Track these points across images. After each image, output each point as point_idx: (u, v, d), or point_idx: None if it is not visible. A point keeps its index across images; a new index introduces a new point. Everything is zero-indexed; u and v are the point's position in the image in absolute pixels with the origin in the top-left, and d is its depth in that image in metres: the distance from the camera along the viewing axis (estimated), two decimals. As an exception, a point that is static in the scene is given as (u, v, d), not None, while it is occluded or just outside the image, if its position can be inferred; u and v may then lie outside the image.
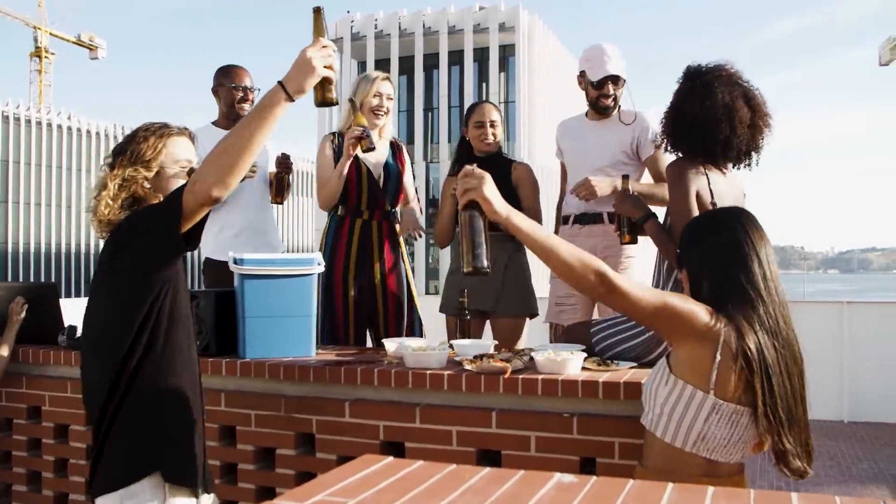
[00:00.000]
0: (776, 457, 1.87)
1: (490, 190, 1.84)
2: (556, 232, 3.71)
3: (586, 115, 3.73)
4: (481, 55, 41.69)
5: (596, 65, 3.52)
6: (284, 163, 4.01)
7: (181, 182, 2.13)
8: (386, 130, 3.83)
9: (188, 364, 2.13)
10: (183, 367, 2.11)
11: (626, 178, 3.16)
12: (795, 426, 1.85)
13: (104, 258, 2.09)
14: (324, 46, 1.92)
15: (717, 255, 1.95)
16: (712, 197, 2.69)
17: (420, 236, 3.85)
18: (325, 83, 1.95)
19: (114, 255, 2.05)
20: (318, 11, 2.03)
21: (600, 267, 1.80)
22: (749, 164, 2.83)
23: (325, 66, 1.91)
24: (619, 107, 3.60)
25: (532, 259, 3.84)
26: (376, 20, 42.77)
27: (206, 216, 1.99)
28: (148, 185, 2.13)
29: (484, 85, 41.88)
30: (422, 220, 3.95)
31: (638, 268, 3.42)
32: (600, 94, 3.54)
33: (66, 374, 3.17)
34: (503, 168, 3.67)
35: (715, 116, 2.67)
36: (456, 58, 41.88)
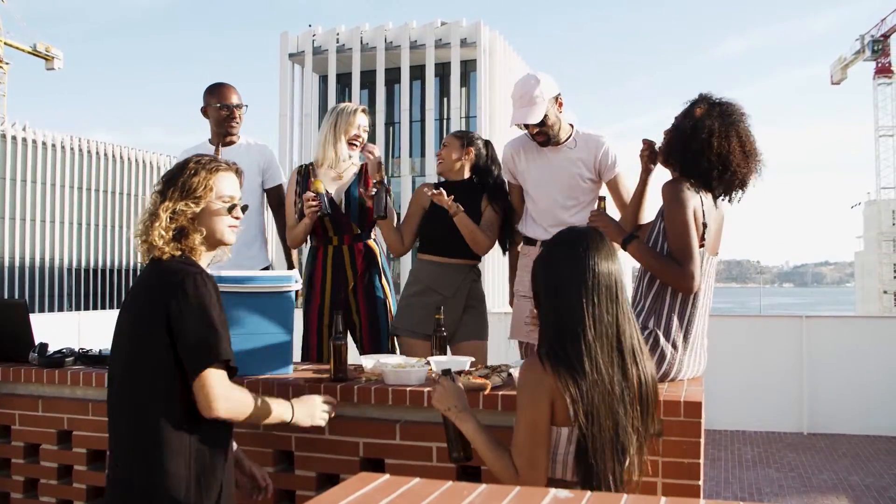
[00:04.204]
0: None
1: (440, 398, 2.13)
2: (517, 252, 3.78)
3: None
4: (443, 70, 41.83)
5: (513, 108, 3.49)
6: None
7: (223, 218, 2.22)
8: (358, 156, 3.87)
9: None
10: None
11: (602, 199, 3.16)
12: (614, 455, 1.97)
13: (147, 298, 2.14)
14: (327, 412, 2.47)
15: (560, 306, 2.02)
16: (704, 217, 2.72)
17: (378, 163, 3.80)
18: None
19: (154, 318, 2.09)
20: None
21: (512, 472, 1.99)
22: (731, 200, 2.81)
23: (326, 418, 2.47)
24: (576, 130, 3.56)
25: (487, 282, 3.88)
26: (338, 34, 42.70)
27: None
28: (193, 218, 2.18)
29: (445, 100, 42.02)
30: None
31: None
32: (531, 134, 3.52)
33: (36, 393, 3.13)
34: (476, 196, 3.74)
35: (720, 145, 2.68)
36: (417, 73, 41.98)
